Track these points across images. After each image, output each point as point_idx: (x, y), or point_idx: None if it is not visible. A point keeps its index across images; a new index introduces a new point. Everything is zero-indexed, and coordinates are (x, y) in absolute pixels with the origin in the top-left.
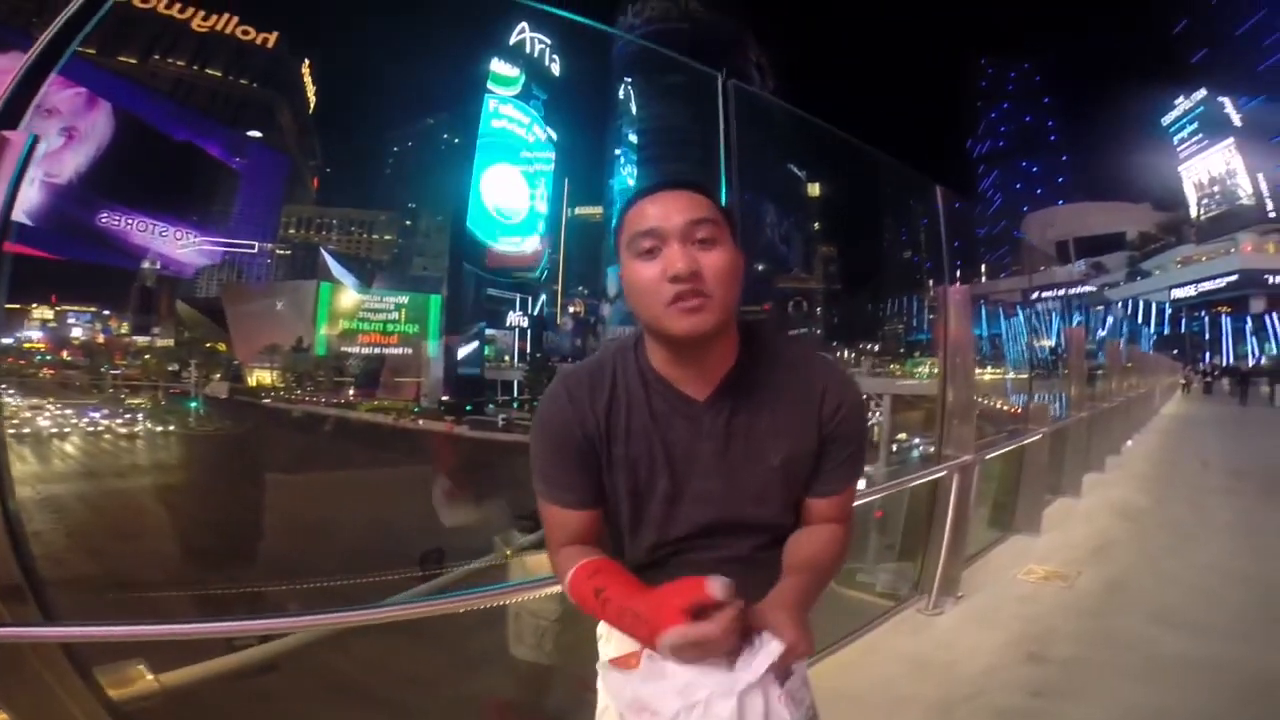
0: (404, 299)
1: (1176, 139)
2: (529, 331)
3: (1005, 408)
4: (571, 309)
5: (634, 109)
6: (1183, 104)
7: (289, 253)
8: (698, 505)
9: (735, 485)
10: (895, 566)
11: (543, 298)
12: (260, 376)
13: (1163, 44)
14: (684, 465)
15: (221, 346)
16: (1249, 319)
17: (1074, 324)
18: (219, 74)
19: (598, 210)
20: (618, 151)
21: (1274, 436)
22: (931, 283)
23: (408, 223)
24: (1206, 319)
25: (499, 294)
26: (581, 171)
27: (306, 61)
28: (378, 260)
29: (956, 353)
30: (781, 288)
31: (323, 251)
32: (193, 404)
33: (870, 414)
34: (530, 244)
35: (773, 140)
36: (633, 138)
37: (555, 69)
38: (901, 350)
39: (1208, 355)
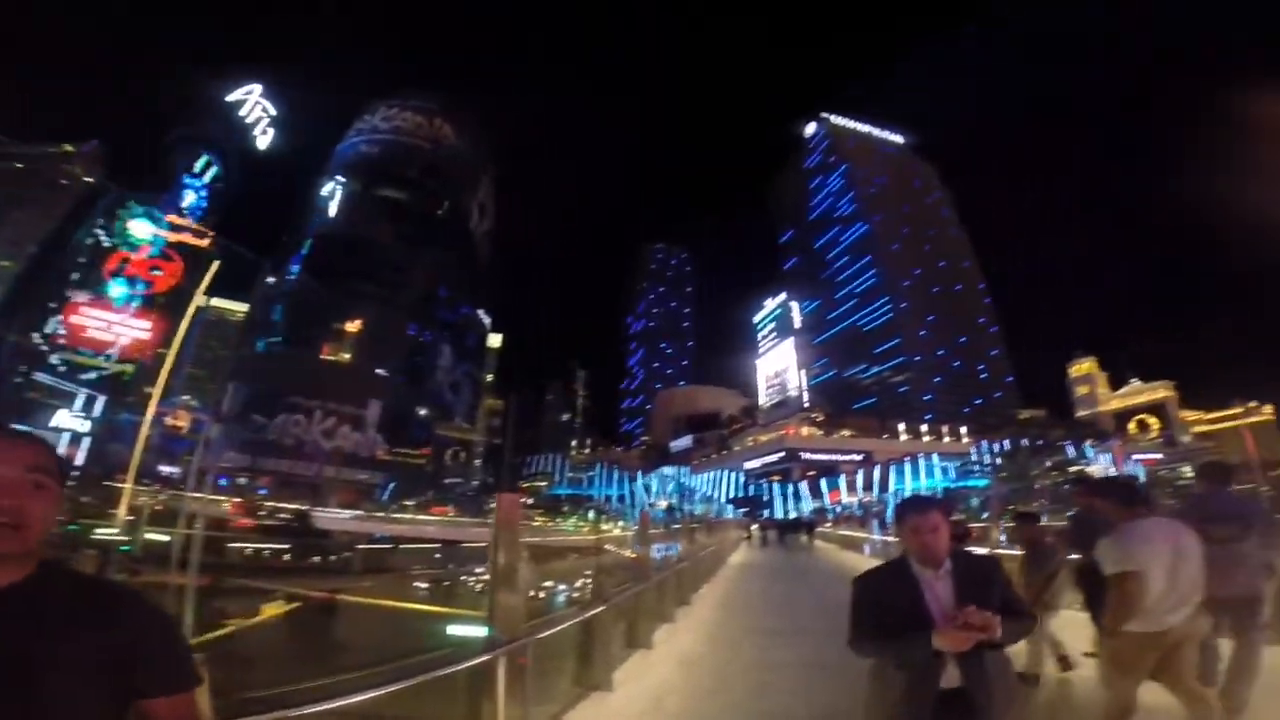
0: None
1: (760, 335)
2: (87, 439)
3: (629, 554)
4: (169, 420)
5: (332, 211)
6: (769, 305)
7: None
8: None
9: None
10: None
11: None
12: None
13: (772, 250)
14: None
15: None
16: (792, 485)
17: (673, 489)
18: None
19: (243, 308)
20: (296, 248)
21: (798, 579)
22: (576, 442)
23: None
24: (766, 485)
25: (53, 382)
26: (241, 259)
27: None
28: None
29: (505, 547)
30: (442, 435)
31: None
32: None
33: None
34: (130, 325)
35: (469, 279)
36: (313, 240)
37: (262, 141)
38: (563, 505)
39: (766, 512)
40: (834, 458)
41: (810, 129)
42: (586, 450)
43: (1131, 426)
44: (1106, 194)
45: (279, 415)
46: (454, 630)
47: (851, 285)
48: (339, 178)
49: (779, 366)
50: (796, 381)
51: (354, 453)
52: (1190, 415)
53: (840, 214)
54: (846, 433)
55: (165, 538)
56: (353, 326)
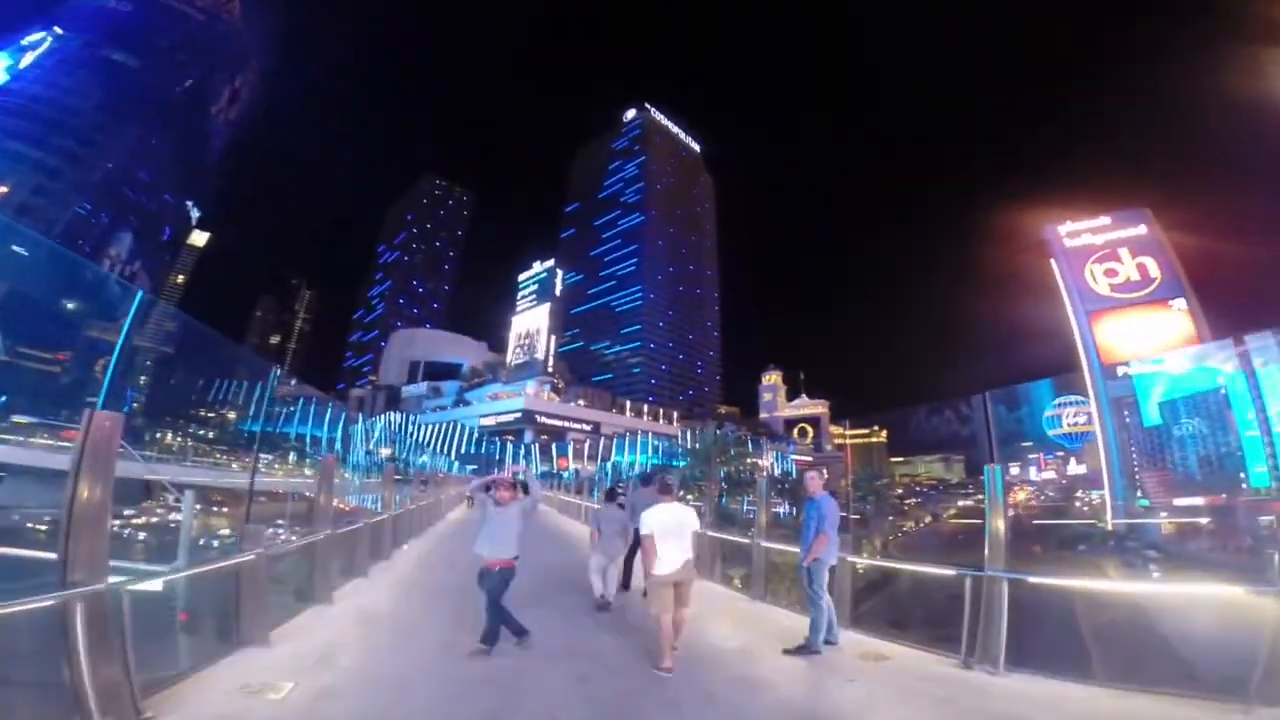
0: None
1: (520, 294)
2: None
3: (341, 505)
4: None
5: (23, 62)
6: (536, 268)
7: None
8: None
9: None
10: None
11: None
12: None
13: (553, 216)
14: None
15: None
16: (524, 446)
17: (397, 436)
18: None
19: None
20: None
21: None
22: (283, 371)
23: None
24: (500, 443)
25: None
26: None
27: None
28: None
29: (92, 479)
30: (93, 337)
31: None
32: None
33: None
34: None
35: (188, 166)
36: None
37: None
38: (256, 443)
39: (497, 471)
40: (567, 424)
41: (630, 114)
42: (293, 381)
43: (795, 432)
44: (835, 245)
45: None
46: None
47: (615, 268)
48: (56, 29)
49: (532, 327)
50: (545, 346)
51: None
52: (835, 430)
53: (625, 200)
54: (581, 402)
55: None
56: None
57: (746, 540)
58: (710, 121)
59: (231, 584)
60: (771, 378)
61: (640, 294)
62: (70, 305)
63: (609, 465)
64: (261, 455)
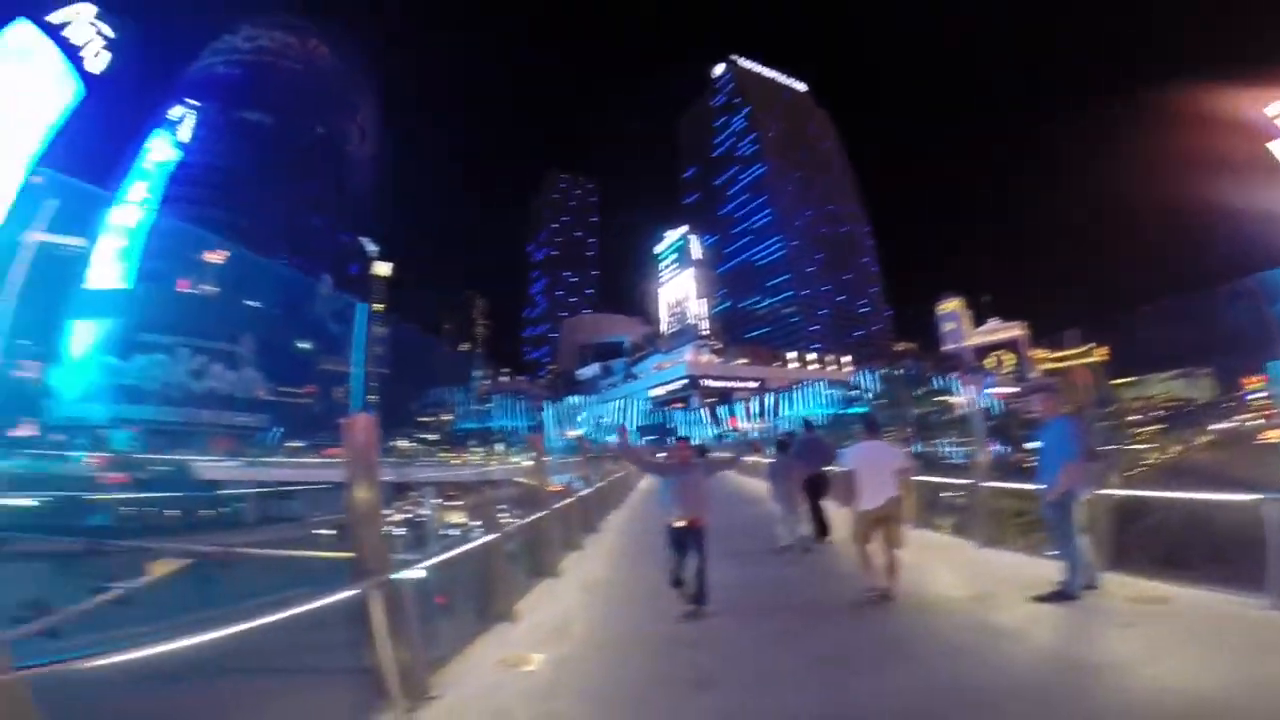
0: None
1: (661, 265)
2: None
3: (549, 487)
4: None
5: (183, 136)
6: (670, 236)
7: None
8: None
9: None
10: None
11: None
12: None
13: (673, 185)
14: None
15: None
16: (694, 411)
17: (583, 418)
18: None
19: (79, 241)
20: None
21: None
22: (479, 373)
23: None
24: (670, 413)
25: None
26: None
27: None
28: None
29: (363, 479)
30: (327, 370)
31: None
32: None
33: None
34: None
35: (350, 206)
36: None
37: (94, 65)
38: (470, 439)
39: (671, 439)
40: (731, 384)
41: (718, 70)
42: (489, 381)
43: (989, 362)
44: (983, 146)
45: (133, 356)
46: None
47: (748, 222)
48: (189, 101)
49: (679, 295)
50: (696, 310)
51: (230, 394)
52: (1038, 354)
53: (741, 154)
54: (743, 360)
55: (30, 502)
56: (215, 257)
57: (961, 482)
58: (820, 45)
59: (479, 566)
60: (951, 305)
61: (781, 243)
62: (304, 345)
63: (781, 420)
64: (476, 448)
